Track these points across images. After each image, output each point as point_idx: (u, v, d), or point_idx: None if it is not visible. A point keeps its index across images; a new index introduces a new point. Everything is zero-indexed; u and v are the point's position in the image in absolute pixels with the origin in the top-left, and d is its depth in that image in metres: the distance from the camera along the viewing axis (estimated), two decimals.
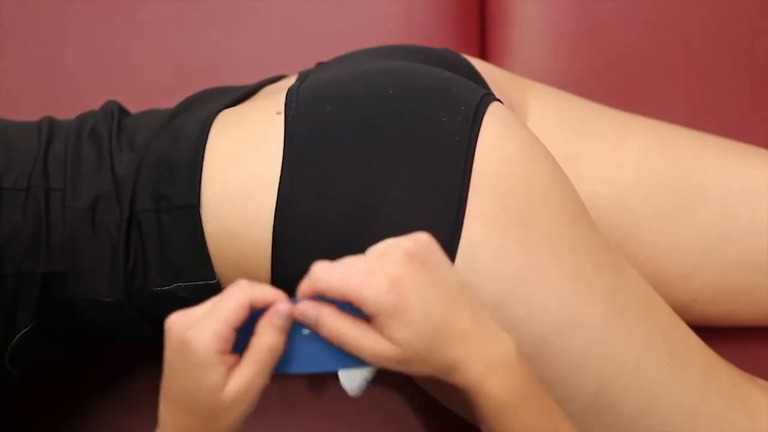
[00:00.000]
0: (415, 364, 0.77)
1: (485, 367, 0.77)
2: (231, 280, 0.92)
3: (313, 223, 0.90)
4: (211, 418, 0.77)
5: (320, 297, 0.77)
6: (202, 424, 0.77)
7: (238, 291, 0.77)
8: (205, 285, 0.93)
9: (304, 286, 0.77)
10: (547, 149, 0.96)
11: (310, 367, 0.79)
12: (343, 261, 0.78)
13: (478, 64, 1.09)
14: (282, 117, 0.93)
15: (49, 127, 0.98)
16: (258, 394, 0.77)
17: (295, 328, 0.78)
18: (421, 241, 0.78)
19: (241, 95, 1.03)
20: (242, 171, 0.92)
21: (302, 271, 0.79)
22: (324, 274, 0.77)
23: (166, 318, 0.96)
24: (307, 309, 0.77)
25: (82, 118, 1.00)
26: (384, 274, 0.76)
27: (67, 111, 1.05)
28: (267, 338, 0.76)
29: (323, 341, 0.78)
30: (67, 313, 0.94)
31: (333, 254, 0.80)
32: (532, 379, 0.80)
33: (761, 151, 1.14)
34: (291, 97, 0.95)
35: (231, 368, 0.76)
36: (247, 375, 0.76)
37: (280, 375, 0.79)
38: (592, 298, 0.92)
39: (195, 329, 0.76)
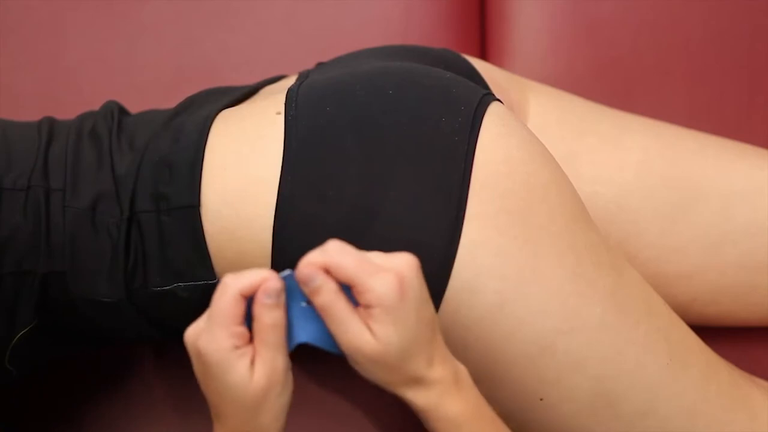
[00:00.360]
0: (381, 367, 0.79)
1: (445, 389, 0.80)
2: None
3: (313, 223, 0.90)
4: (254, 411, 0.78)
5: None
6: (250, 421, 0.79)
7: (226, 287, 0.78)
8: (205, 285, 0.93)
9: (315, 256, 0.78)
10: (547, 149, 0.96)
11: (307, 336, 0.80)
12: (357, 250, 0.79)
13: (478, 64, 1.09)
14: (282, 117, 0.93)
15: (49, 127, 0.98)
16: (284, 375, 0.78)
17: (292, 302, 0.79)
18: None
19: (241, 95, 1.03)
20: (242, 171, 0.92)
21: None
22: (338, 253, 0.78)
23: (166, 318, 0.97)
24: (314, 272, 0.77)
25: (82, 118, 1.00)
26: (395, 272, 0.77)
27: (67, 111, 1.05)
28: (265, 318, 0.77)
29: (314, 316, 0.79)
30: (67, 313, 0.94)
31: None
32: (485, 404, 0.83)
33: (761, 151, 1.14)
34: (291, 97, 0.95)
35: (254, 359, 0.78)
36: (264, 359, 0.77)
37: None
38: (592, 297, 0.92)
39: (203, 337, 0.78)
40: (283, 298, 0.78)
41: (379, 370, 0.79)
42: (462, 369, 0.82)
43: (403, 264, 0.78)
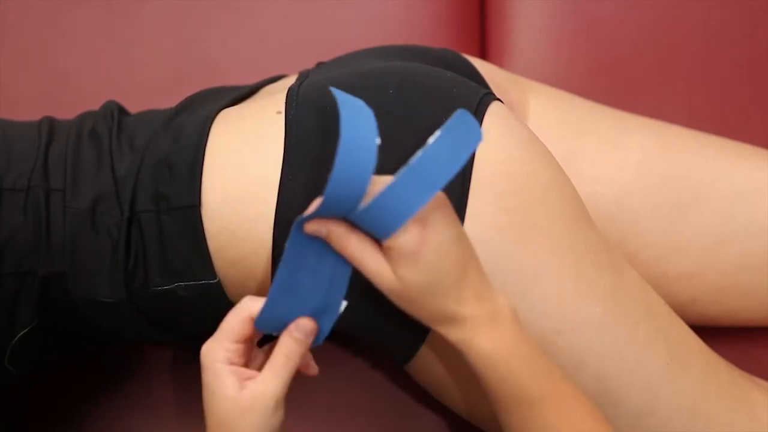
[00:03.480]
0: (407, 303, 0.81)
1: (478, 325, 0.81)
2: (231, 280, 0.92)
3: None
4: (225, 423, 0.80)
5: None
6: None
7: (240, 308, 0.82)
8: (205, 285, 0.92)
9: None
10: (548, 149, 0.96)
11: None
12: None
13: (478, 64, 1.09)
14: (282, 117, 0.93)
15: (49, 127, 0.98)
16: (274, 403, 0.80)
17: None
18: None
19: (241, 95, 1.03)
20: (242, 171, 0.92)
21: None
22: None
23: (165, 318, 0.97)
24: (318, 228, 0.80)
25: (82, 118, 1.00)
26: (417, 217, 0.78)
27: (67, 111, 1.05)
28: (283, 348, 0.80)
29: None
30: (67, 313, 0.94)
31: None
32: (526, 340, 0.83)
33: (761, 151, 1.14)
34: (291, 96, 0.95)
35: (245, 380, 0.80)
36: (262, 381, 0.80)
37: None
38: (593, 297, 0.92)
39: (205, 345, 0.81)
40: (311, 339, 0.81)
41: (404, 305, 0.82)
42: (503, 307, 0.82)
43: (429, 206, 0.79)
